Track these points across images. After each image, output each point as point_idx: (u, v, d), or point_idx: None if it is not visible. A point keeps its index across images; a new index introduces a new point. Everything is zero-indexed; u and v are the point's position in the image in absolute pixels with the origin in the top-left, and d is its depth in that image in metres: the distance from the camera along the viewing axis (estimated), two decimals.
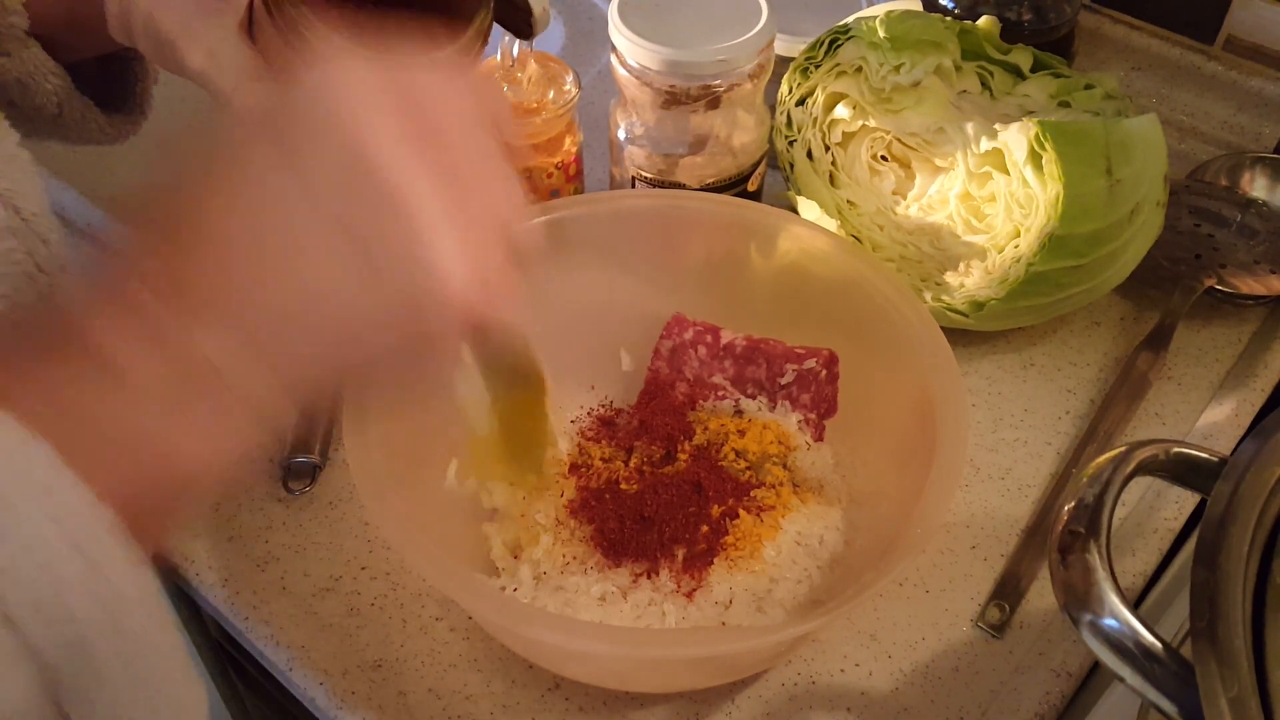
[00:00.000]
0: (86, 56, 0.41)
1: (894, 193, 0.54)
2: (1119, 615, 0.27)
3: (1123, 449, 0.31)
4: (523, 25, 0.41)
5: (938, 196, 0.52)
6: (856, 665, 0.43)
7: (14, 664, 0.21)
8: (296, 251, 0.25)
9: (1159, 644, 0.27)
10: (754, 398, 0.49)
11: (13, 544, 0.21)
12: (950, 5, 0.62)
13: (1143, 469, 0.31)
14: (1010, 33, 0.56)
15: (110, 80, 0.43)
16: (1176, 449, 0.31)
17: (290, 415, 0.27)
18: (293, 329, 0.26)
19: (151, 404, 0.24)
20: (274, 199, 0.25)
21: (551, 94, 0.54)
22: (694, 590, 0.42)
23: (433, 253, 0.25)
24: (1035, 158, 0.48)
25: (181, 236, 0.25)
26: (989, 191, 0.51)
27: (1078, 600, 0.27)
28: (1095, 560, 0.28)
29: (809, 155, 0.55)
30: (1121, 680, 0.27)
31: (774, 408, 0.49)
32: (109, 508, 0.22)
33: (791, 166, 0.56)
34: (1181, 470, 0.32)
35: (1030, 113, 0.52)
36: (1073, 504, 0.29)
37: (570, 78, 0.55)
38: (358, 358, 0.27)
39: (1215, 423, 0.51)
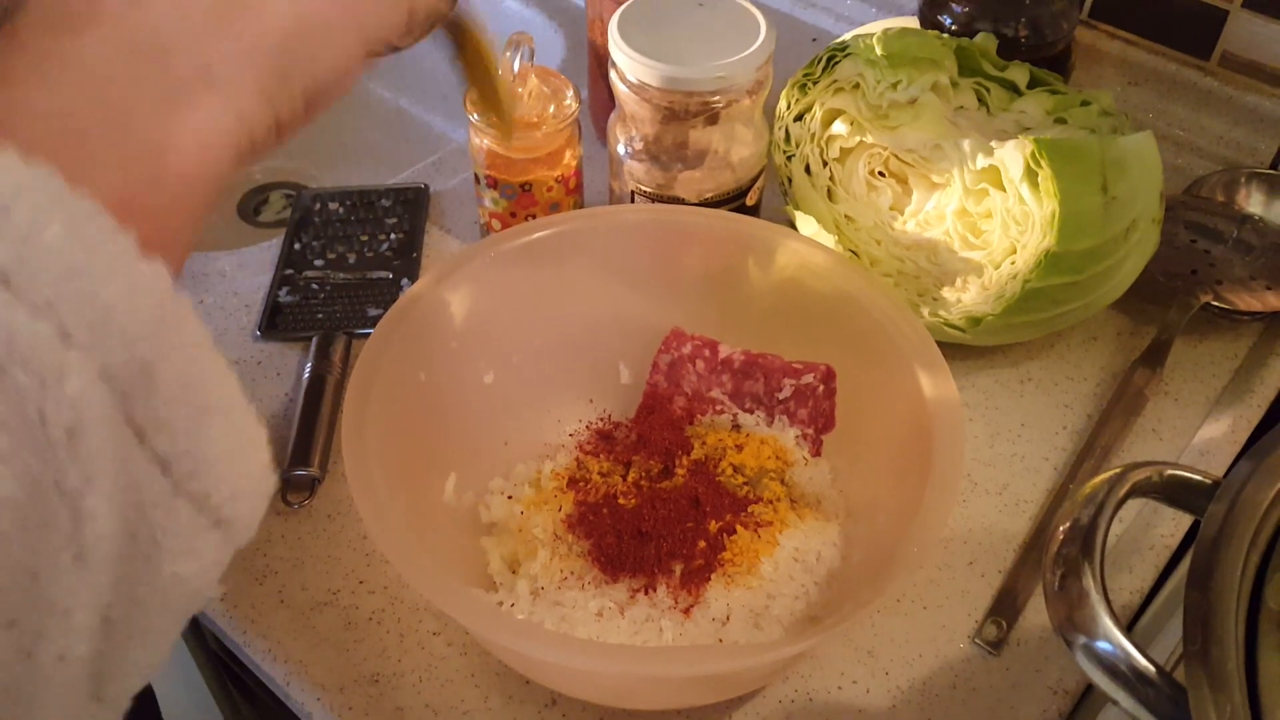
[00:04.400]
0: None
1: (891, 208, 0.54)
2: (1112, 638, 0.27)
3: (1117, 470, 0.31)
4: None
5: (934, 212, 0.53)
6: (854, 682, 0.43)
7: (88, 383, 0.21)
8: None
9: (1152, 667, 0.27)
10: (752, 412, 0.49)
11: (54, 270, 0.20)
12: (947, 22, 0.62)
13: (1137, 491, 0.31)
14: (1007, 49, 0.56)
15: None
16: (1170, 471, 0.31)
17: (272, 131, 0.27)
18: (248, 19, 0.26)
19: (134, 108, 0.24)
20: None
21: (552, 108, 0.54)
22: (691, 606, 0.42)
23: None
24: (1031, 175, 0.48)
25: None
26: (985, 208, 0.51)
27: (1071, 623, 0.28)
28: (1089, 583, 0.28)
29: (807, 170, 0.55)
30: (1115, 703, 0.27)
31: (772, 422, 0.49)
32: (124, 222, 0.22)
33: (789, 181, 0.56)
34: (1176, 492, 0.32)
35: (1027, 129, 0.53)
36: (1067, 525, 0.29)
37: (570, 92, 0.55)
38: (318, 42, 0.28)
39: (1212, 438, 0.51)
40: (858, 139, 0.53)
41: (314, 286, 0.58)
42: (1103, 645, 0.27)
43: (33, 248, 0.20)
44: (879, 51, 0.52)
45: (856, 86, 0.53)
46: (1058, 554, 0.29)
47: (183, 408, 0.23)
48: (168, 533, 0.23)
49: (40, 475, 0.20)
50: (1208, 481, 0.31)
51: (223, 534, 0.24)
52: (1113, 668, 0.27)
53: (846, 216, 0.54)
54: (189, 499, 0.23)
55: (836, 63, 0.54)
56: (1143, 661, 0.27)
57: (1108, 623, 0.27)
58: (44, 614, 0.21)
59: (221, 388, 0.24)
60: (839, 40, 0.55)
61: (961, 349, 0.53)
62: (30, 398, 0.20)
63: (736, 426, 0.49)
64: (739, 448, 0.47)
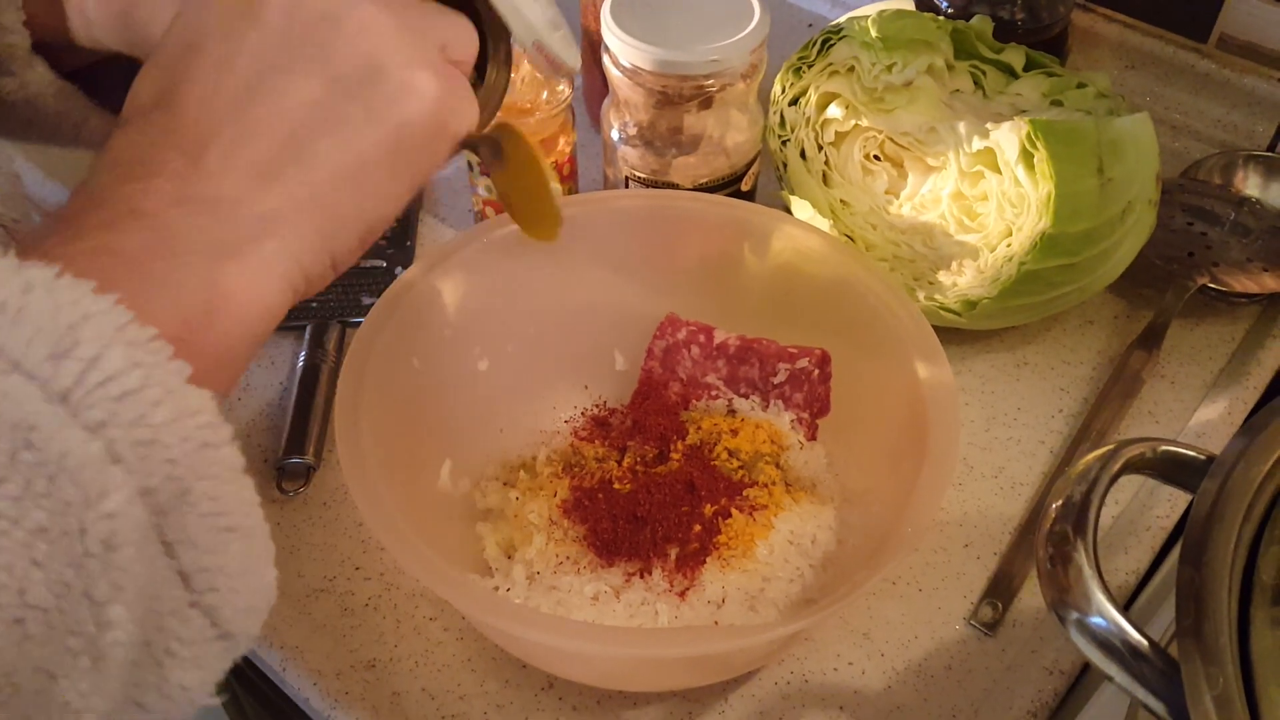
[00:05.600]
0: (89, 62, 0.41)
1: (887, 192, 0.54)
2: (1105, 613, 0.27)
3: (1110, 447, 0.31)
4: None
5: (930, 196, 0.53)
6: (850, 664, 0.43)
7: (128, 500, 0.22)
8: (285, 106, 0.28)
9: (1145, 642, 0.27)
10: (747, 397, 0.49)
11: (112, 388, 0.22)
12: (943, 5, 0.62)
13: (1130, 467, 0.31)
14: (1003, 32, 0.56)
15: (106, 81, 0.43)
16: (1164, 447, 0.31)
17: (328, 269, 0.30)
18: (304, 172, 0.28)
19: (196, 251, 0.26)
20: (254, 61, 0.28)
21: (545, 94, 0.54)
22: (687, 589, 0.42)
23: (407, 77, 0.30)
24: (1027, 157, 0.48)
25: (178, 107, 0.28)
26: (981, 191, 0.51)
27: (1065, 598, 0.28)
28: (1082, 558, 0.28)
29: (802, 155, 0.55)
30: (1109, 678, 0.27)
31: (767, 407, 0.49)
32: (180, 353, 0.23)
33: (785, 166, 0.56)
34: (1169, 468, 0.32)
35: (1023, 112, 0.53)
36: (1060, 502, 0.29)
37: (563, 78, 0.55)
38: (370, 190, 0.30)
39: (1208, 421, 0.51)
40: (853, 122, 0.53)
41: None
42: (1096, 620, 0.27)
43: (94, 370, 0.22)
44: (874, 34, 0.52)
45: (851, 70, 0.53)
46: (1050, 530, 0.29)
47: (210, 526, 0.24)
48: (180, 641, 0.24)
49: (72, 583, 0.21)
50: (1201, 458, 0.31)
51: (227, 645, 0.26)
52: (1106, 643, 0.27)
53: (842, 201, 0.54)
54: (203, 611, 0.24)
55: (831, 45, 0.54)
56: (1136, 636, 0.27)
57: (1101, 598, 0.27)
58: (56, 714, 0.22)
59: (246, 511, 0.25)
60: (834, 23, 0.55)
61: (957, 333, 0.53)
62: (74, 511, 0.21)
63: (731, 411, 0.49)
64: (734, 432, 0.47)
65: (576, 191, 0.60)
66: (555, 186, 0.39)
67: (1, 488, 0.21)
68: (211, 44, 0.29)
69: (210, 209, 0.27)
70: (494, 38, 0.36)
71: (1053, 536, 0.29)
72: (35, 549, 0.21)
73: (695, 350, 0.49)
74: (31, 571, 0.21)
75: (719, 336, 0.49)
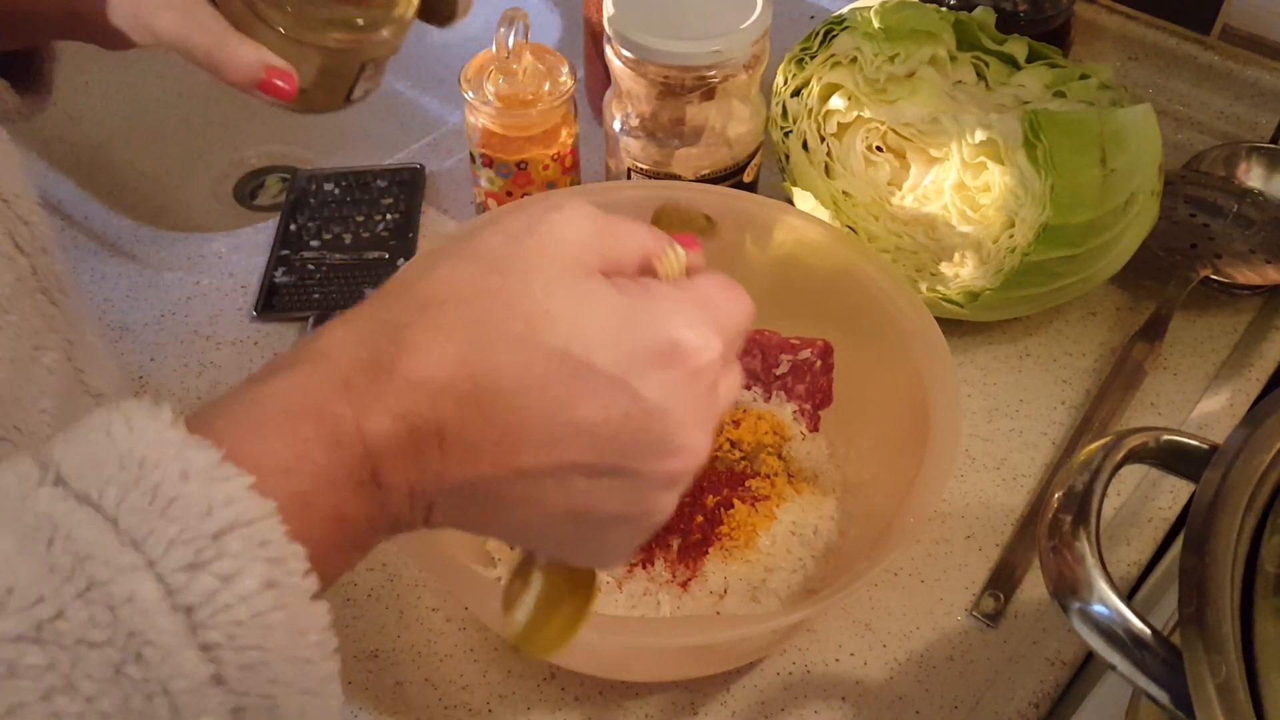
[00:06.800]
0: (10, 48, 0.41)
1: (889, 183, 0.54)
2: (1108, 602, 0.27)
3: (1113, 437, 0.31)
4: (444, 13, 0.40)
5: (933, 187, 0.52)
6: (851, 654, 0.43)
7: (221, 717, 0.21)
8: (571, 484, 0.25)
9: (1148, 630, 0.27)
10: (749, 388, 0.49)
11: (240, 611, 0.21)
12: None
13: (1133, 457, 0.31)
14: (1006, 23, 0.56)
15: (14, 61, 0.43)
16: (1166, 436, 0.31)
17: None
18: (529, 535, 0.26)
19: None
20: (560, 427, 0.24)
21: (547, 86, 0.54)
22: (689, 580, 0.42)
23: (681, 466, 0.26)
24: (1030, 148, 0.48)
25: (483, 408, 0.24)
26: (984, 182, 0.51)
27: (1067, 587, 0.28)
28: (1085, 547, 0.28)
29: (804, 146, 0.55)
30: (1112, 667, 0.27)
31: (769, 398, 0.49)
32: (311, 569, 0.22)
33: (787, 157, 0.56)
34: (1172, 458, 0.32)
35: (1025, 103, 0.52)
36: (1062, 491, 0.29)
37: (566, 69, 0.55)
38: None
39: (1211, 412, 0.51)
40: (855, 114, 0.53)
41: (310, 267, 0.58)
42: (1098, 609, 0.27)
43: (227, 590, 0.21)
44: (877, 25, 0.52)
45: (854, 60, 0.53)
46: (1053, 520, 0.29)
47: None
48: None
49: None
50: (1204, 447, 0.31)
51: None
52: (1108, 631, 0.27)
53: (844, 192, 0.54)
54: None
55: (834, 36, 0.53)
56: (1139, 624, 0.27)
57: (1103, 587, 0.27)
58: None
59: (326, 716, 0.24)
60: (836, 14, 0.54)
61: (960, 325, 0.53)
62: None
63: (734, 402, 0.49)
64: (736, 423, 0.47)
65: (578, 183, 0.59)
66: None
67: (96, 703, 0.20)
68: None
69: (398, 498, 0.24)
70: None
71: (1055, 526, 0.29)
72: None
73: None
74: None
75: None
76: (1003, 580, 0.45)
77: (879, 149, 0.54)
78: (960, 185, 0.51)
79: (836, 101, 0.53)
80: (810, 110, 0.54)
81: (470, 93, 0.53)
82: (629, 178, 0.55)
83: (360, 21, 0.38)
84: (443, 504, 0.25)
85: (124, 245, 0.59)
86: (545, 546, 0.28)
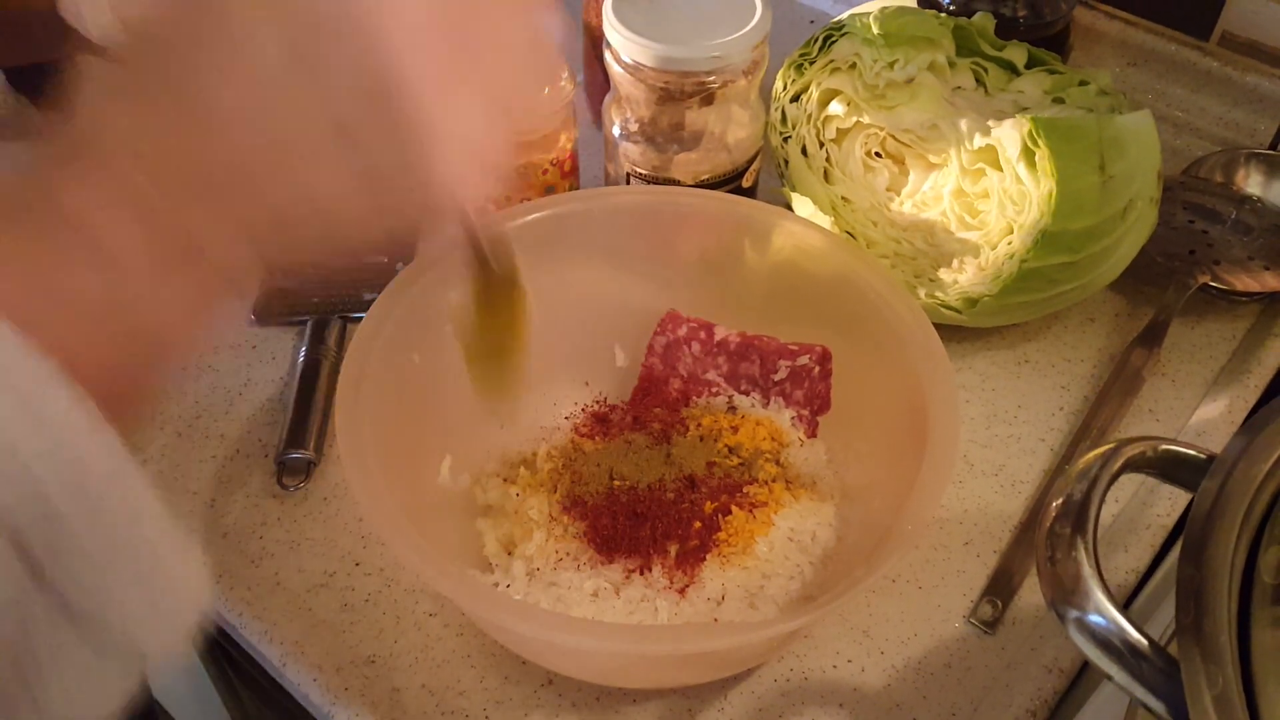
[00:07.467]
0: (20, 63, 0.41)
1: (888, 189, 0.54)
2: (1105, 612, 0.27)
3: (1111, 445, 0.31)
4: None
5: (931, 193, 0.52)
6: (849, 661, 0.43)
7: None
8: (296, 151, 0.25)
9: (1145, 640, 0.27)
10: (747, 394, 0.49)
11: None
12: (945, 1, 0.62)
13: (1130, 466, 0.31)
14: (1005, 29, 0.56)
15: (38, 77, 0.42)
16: (1164, 445, 0.31)
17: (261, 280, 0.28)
18: (282, 223, 0.27)
19: (131, 277, 0.24)
20: (280, 91, 0.25)
21: (546, 90, 0.54)
22: (686, 586, 0.42)
23: (434, 171, 0.26)
24: (1028, 154, 0.48)
25: (176, 113, 0.25)
26: (982, 188, 0.51)
27: (1064, 596, 0.28)
28: (1082, 556, 0.28)
29: (803, 151, 0.55)
30: (1108, 677, 0.27)
31: (767, 404, 0.49)
32: (79, 380, 0.22)
33: (786, 163, 0.56)
34: (1170, 467, 0.32)
35: (1024, 109, 0.52)
36: (1060, 500, 0.29)
37: (565, 74, 0.55)
38: (343, 249, 0.28)
39: (1209, 419, 0.51)
40: (854, 119, 0.53)
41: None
42: (1095, 619, 0.27)
43: None
44: (876, 30, 0.52)
45: (853, 66, 0.53)
46: (1051, 528, 0.29)
47: (93, 563, 0.22)
48: (55, 660, 0.22)
49: None
50: (1202, 456, 0.31)
51: (120, 665, 0.24)
52: (1105, 641, 0.27)
53: (843, 198, 0.54)
54: (83, 630, 0.23)
55: (833, 42, 0.53)
56: (1135, 635, 0.27)
57: (1100, 596, 0.27)
58: None
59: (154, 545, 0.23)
60: (836, 20, 0.55)
61: (958, 331, 0.53)
62: None
63: (732, 408, 0.49)
64: (734, 429, 0.47)
65: (577, 188, 0.59)
66: (525, 350, 0.34)
67: None
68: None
69: (157, 237, 0.25)
70: None
71: (1053, 534, 0.29)
72: None
73: (696, 347, 0.49)
74: None
75: (720, 333, 0.49)
76: (1001, 587, 0.45)
77: (878, 154, 0.54)
78: (959, 191, 0.52)
79: (836, 107, 0.53)
80: (809, 115, 0.54)
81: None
82: (628, 183, 0.55)
83: None
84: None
85: None
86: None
